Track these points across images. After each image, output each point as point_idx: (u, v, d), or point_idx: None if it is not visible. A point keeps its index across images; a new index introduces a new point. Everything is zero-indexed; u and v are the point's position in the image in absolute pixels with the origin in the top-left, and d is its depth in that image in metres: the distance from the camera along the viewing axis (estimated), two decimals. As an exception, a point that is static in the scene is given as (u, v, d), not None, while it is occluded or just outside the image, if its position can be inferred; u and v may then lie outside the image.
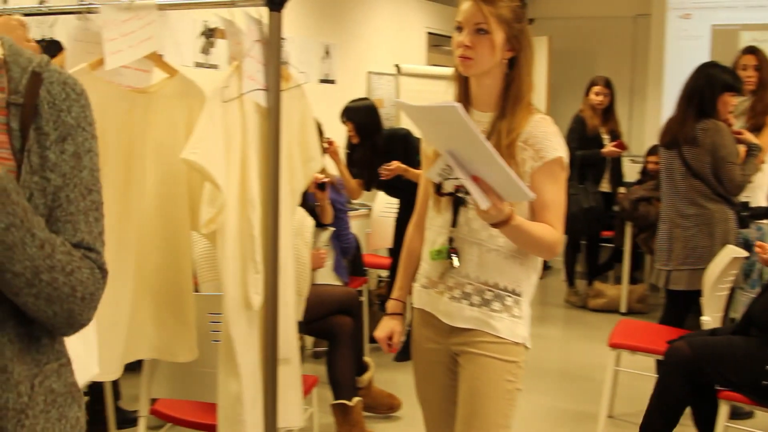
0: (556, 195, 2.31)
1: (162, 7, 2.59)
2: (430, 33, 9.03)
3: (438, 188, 2.32)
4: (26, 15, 2.98)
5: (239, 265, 2.46)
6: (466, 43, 2.28)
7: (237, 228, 2.45)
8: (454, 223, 2.36)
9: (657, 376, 3.85)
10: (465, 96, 2.41)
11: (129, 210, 2.64)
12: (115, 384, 4.11)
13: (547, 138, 2.30)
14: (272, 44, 2.42)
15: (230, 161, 2.42)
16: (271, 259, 2.47)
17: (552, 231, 2.28)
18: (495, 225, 2.13)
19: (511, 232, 2.19)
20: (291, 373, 2.70)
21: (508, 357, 2.35)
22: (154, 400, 3.22)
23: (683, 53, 8.72)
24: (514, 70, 2.34)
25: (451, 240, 2.36)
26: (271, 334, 2.50)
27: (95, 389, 4.10)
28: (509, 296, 2.35)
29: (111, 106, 2.57)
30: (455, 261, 2.34)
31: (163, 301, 2.77)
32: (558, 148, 2.30)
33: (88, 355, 2.40)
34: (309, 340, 5.52)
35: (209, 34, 6.00)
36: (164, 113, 2.70)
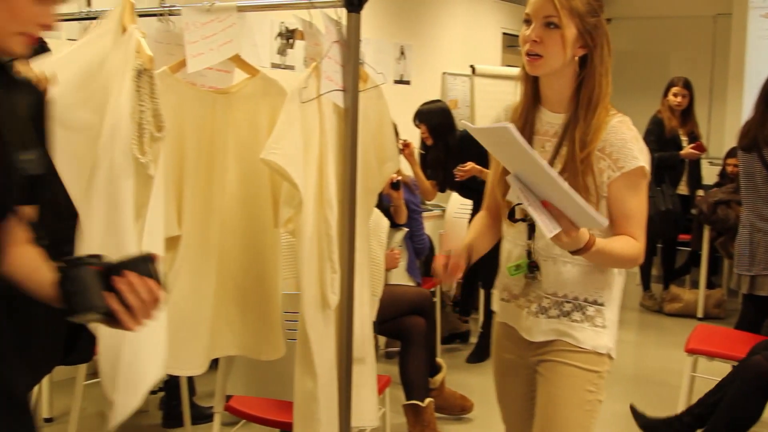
0: (637, 204, 2.16)
1: (242, 9, 2.62)
2: (505, 33, 8.97)
3: (510, 214, 2.24)
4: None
5: (316, 264, 2.47)
6: (533, 37, 2.09)
7: (314, 228, 2.46)
8: (530, 236, 2.24)
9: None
10: (534, 95, 2.25)
11: (211, 209, 2.68)
12: (190, 380, 4.17)
13: (625, 146, 2.12)
14: (351, 45, 2.43)
15: (308, 161, 2.44)
16: (348, 259, 2.48)
17: (634, 243, 2.15)
18: (575, 252, 2.03)
19: (592, 257, 2.09)
20: (366, 372, 2.70)
21: (590, 366, 2.23)
22: (228, 397, 3.25)
23: (765, 53, 8.50)
24: (587, 69, 2.15)
25: (529, 253, 2.25)
26: (347, 333, 2.52)
27: (171, 385, 4.17)
28: (590, 306, 2.23)
29: (191, 107, 2.62)
30: (537, 275, 2.24)
31: (248, 299, 2.80)
32: (638, 156, 2.13)
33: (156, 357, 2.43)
34: (381, 340, 5.53)
35: (288, 35, 6.05)
36: (246, 113, 2.73)
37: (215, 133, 2.67)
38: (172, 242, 2.60)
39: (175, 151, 2.61)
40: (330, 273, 2.46)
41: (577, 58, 2.15)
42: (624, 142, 2.12)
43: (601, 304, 2.24)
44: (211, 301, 2.71)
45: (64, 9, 3.11)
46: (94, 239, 2.27)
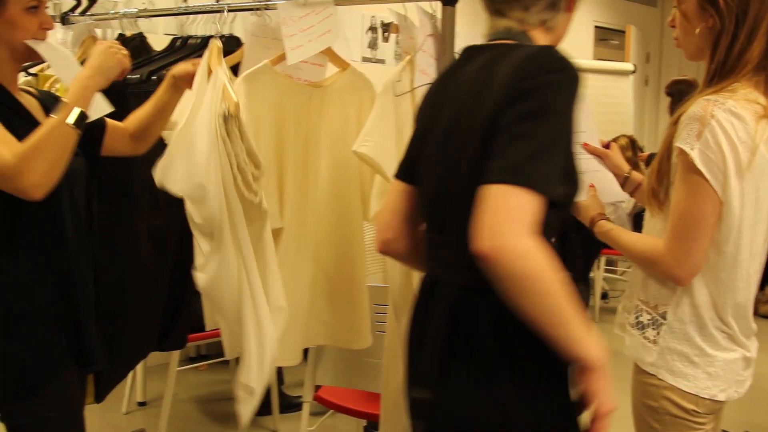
0: (676, 200, 1.84)
1: (339, 3, 2.63)
2: (597, 27, 8.83)
3: None
4: (205, 12, 3.11)
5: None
6: (670, 23, 1.97)
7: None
8: None
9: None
10: None
11: (307, 200, 2.70)
12: (278, 369, 4.22)
13: (689, 124, 1.80)
14: (445, 38, 2.41)
15: (400, 154, 2.42)
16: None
17: (650, 243, 1.91)
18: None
19: (607, 241, 2.10)
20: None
21: (638, 383, 2.00)
22: (317, 387, 3.28)
23: None
24: (715, 40, 1.86)
25: None
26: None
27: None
28: (648, 313, 1.98)
29: (290, 100, 2.64)
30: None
31: (338, 289, 2.82)
32: (687, 139, 1.79)
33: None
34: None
35: (384, 28, 6.06)
36: (337, 106, 2.75)
37: (310, 126, 2.70)
38: (274, 234, 2.60)
39: (276, 143, 2.65)
40: (420, 266, 2.45)
41: (710, 33, 1.87)
42: (691, 119, 1.80)
43: (662, 317, 1.95)
44: (307, 292, 2.74)
45: (160, 4, 3.18)
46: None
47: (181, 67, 2.39)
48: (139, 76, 3.01)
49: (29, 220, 1.97)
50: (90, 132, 2.18)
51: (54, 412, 1.99)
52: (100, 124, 2.29)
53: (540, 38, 1.72)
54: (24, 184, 1.83)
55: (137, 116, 2.43)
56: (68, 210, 2.07)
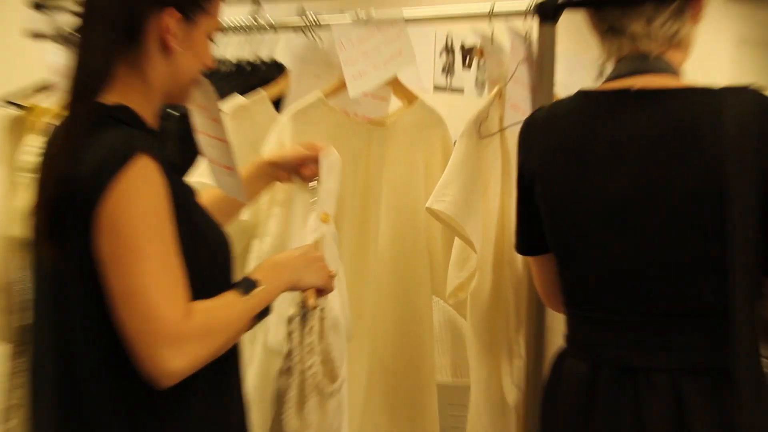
0: None
1: (410, 20, 2.57)
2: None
3: None
4: (239, 30, 3.04)
5: (494, 346, 2.40)
6: None
7: (492, 298, 2.39)
8: None
9: None
10: None
11: (365, 271, 2.63)
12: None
13: None
14: (544, 65, 2.35)
15: (487, 212, 2.37)
16: (535, 341, 2.34)
17: None
18: None
19: None
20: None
21: None
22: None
23: None
24: None
25: None
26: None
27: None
28: None
29: (347, 142, 2.58)
30: None
31: (399, 385, 2.73)
32: None
33: None
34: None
35: (465, 53, 6.03)
36: (402, 149, 2.71)
37: (369, 175, 2.64)
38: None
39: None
40: (512, 358, 2.39)
41: None
42: None
43: None
44: (362, 388, 2.63)
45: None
46: None
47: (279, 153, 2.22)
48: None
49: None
50: None
51: None
52: None
53: (674, 60, 1.86)
54: (167, 367, 1.54)
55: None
56: None
